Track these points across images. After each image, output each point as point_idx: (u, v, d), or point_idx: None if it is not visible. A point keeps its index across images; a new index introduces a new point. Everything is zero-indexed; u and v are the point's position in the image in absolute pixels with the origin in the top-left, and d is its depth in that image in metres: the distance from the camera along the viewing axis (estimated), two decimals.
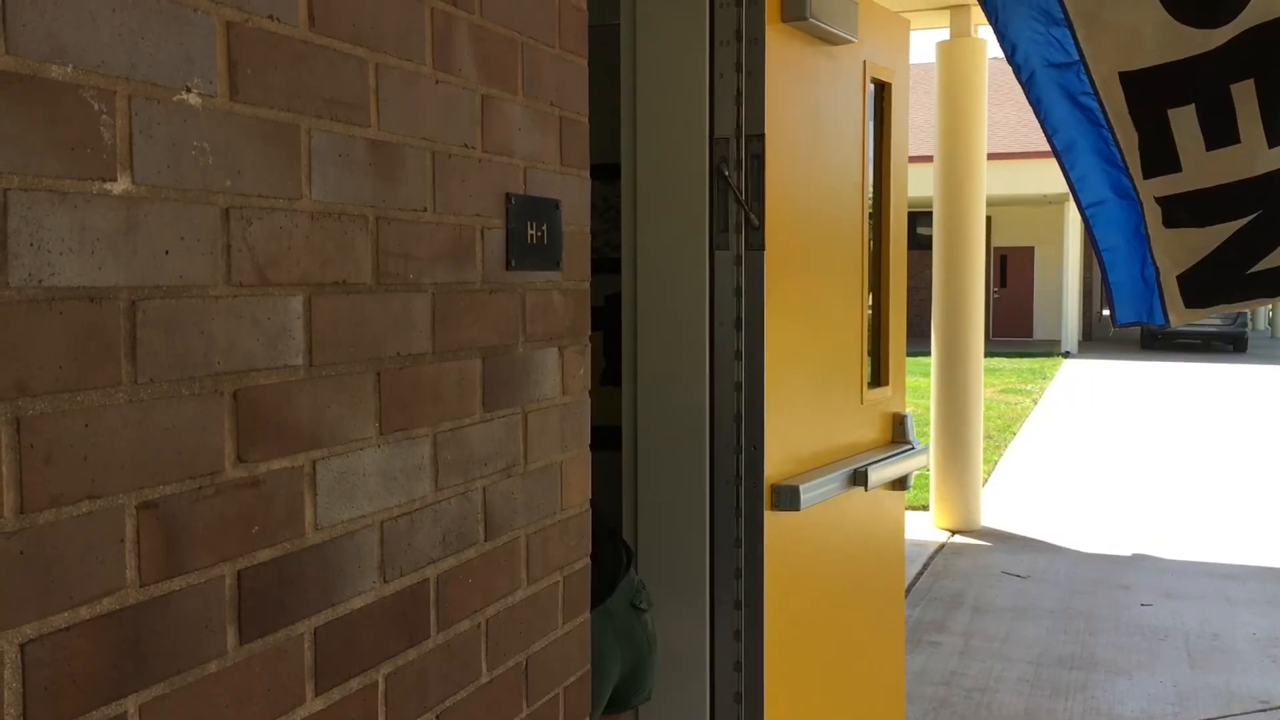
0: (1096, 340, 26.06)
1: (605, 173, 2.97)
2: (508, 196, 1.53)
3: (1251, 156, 2.89)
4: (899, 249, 3.50)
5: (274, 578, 1.14)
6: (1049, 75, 3.07)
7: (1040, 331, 25.07)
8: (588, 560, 1.80)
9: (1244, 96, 2.85)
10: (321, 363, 1.20)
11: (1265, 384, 17.38)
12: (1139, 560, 6.99)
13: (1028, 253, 24.70)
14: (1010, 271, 25.71)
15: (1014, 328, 25.47)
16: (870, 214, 3.35)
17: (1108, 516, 7.98)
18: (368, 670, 1.27)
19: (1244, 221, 2.95)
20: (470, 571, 1.46)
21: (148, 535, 0.99)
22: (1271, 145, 2.88)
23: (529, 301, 1.60)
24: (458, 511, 1.44)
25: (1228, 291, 3.09)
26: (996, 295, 25.69)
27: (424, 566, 1.38)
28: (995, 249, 25.21)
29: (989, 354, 20.48)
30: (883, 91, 3.38)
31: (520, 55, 1.56)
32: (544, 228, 1.62)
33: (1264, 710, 4.54)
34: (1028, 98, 3.12)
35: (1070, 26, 2.98)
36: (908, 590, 6.12)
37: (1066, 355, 21.73)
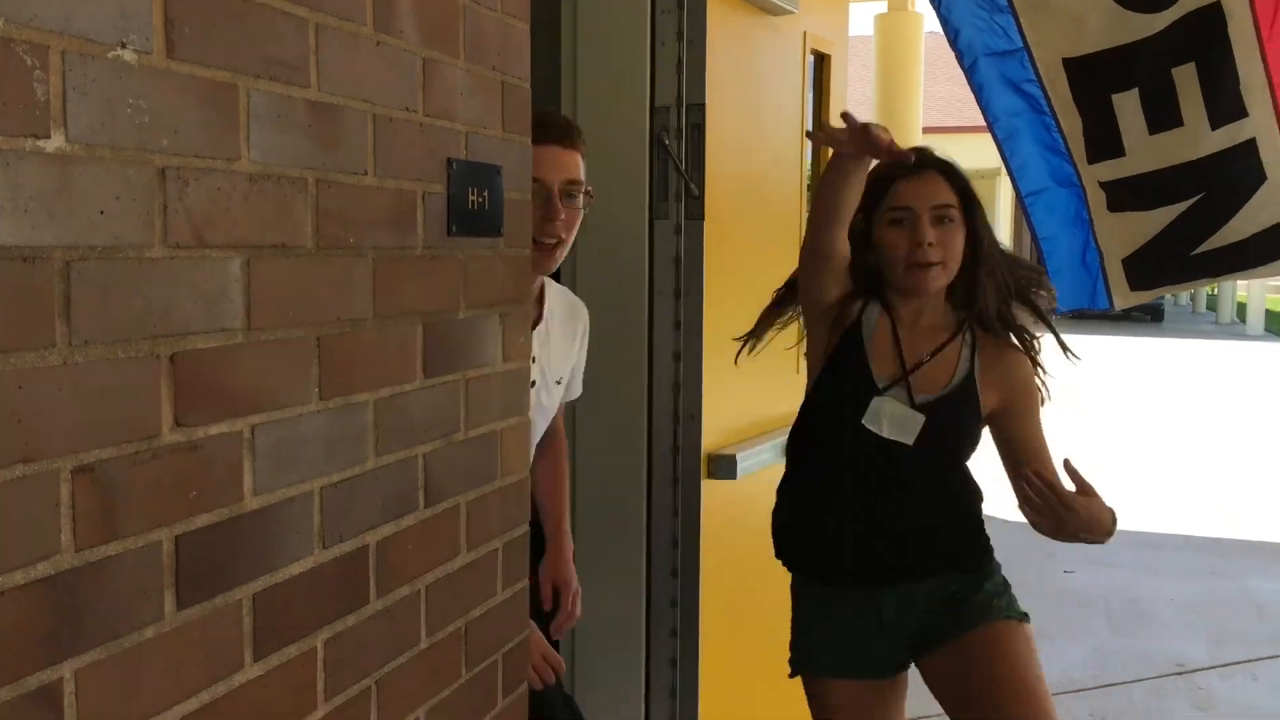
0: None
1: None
2: (449, 162, 1.52)
3: (1194, 139, 2.94)
4: None
5: (212, 543, 1.13)
6: (991, 63, 3.09)
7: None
8: (526, 528, 1.80)
9: (1185, 80, 2.90)
10: (260, 326, 1.19)
11: (1181, 358, 17.83)
12: None
13: None
14: None
15: None
16: (809, 185, 3.37)
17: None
18: (307, 636, 1.27)
19: (1188, 204, 3.00)
20: (410, 538, 1.46)
21: (84, 499, 0.97)
22: (1214, 127, 2.93)
23: (470, 268, 1.59)
24: (398, 478, 1.43)
25: (1172, 273, 3.16)
26: None
27: (363, 533, 1.37)
28: None
29: None
30: (822, 63, 3.40)
31: (462, 18, 1.54)
32: (485, 194, 1.61)
33: (1180, 673, 4.69)
34: (970, 84, 3.14)
35: (1014, 14, 3.00)
36: None
37: None
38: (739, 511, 2.92)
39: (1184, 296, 30.80)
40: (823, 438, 2.27)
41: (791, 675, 2.34)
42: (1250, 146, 2.95)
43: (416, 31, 1.44)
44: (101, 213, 0.99)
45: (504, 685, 1.73)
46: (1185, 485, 8.54)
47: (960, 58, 3.13)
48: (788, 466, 2.35)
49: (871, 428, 2.19)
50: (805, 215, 3.28)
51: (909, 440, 2.19)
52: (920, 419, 2.20)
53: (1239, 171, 2.97)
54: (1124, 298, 3.18)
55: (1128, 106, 2.95)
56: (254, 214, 1.17)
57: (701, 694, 2.80)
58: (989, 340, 2.29)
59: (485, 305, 1.64)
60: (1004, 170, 3.16)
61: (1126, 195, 3.04)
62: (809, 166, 3.34)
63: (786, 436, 2.35)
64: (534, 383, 2.06)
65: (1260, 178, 2.97)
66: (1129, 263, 3.13)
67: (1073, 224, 3.15)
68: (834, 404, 2.25)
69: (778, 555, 2.34)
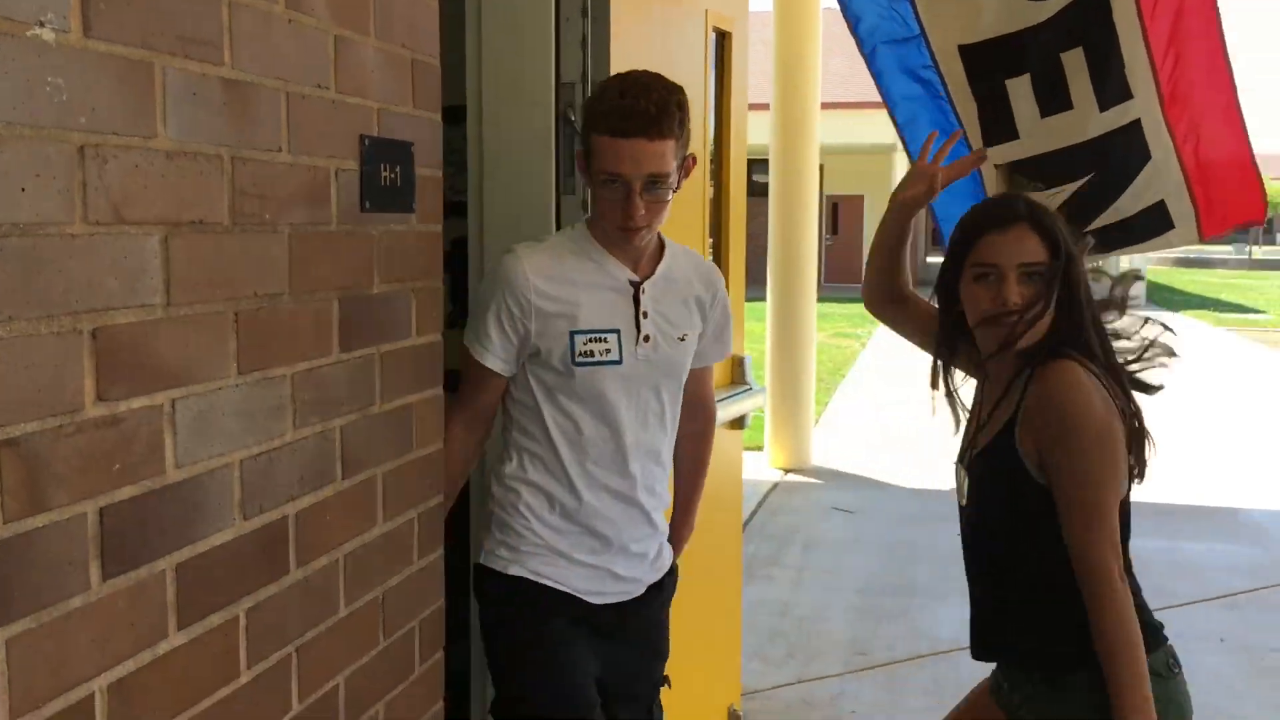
0: (924, 285, 27.08)
1: (452, 116, 2.96)
2: (361, 138, 1.55)
3: (1084, 121, 3.05)
4: (738, 195, 3.60)
5: (135, 515, 1.15)
6: (890, 50, 3.17)
7: None
8: (441, 498, 1.84)
9: (1074, 64, 3.00)
10: (179, 302, 1.20)
11: None
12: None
13: (858, 201, 25.41)
14: (842, 219, 26.42)
15: (845, 274, 26.21)
16: (711, 161, 3.43)
17: (930, 453, 8.40)
18: (228, 605, 1.30)
19: (1079, 183, 3.12)
20: (328, 509, 1.49)
21: (10, 473, 0.99)
22: (1102, 109, 3.04)
23: (383, 243, 1.62)
24: (316, 450, 1.46)
25: None
26: (829, 242, 26.39)
27: (283, 504, 1.40)
28: (827, 197, 25.84)
29: (822, 299, 21.09)
30: (724, 40, 3.46)
31: None
32: (397, 170, 1.64)
33: None
34: (870, 71, 3.21)
35: (912, 2, 3.08)
36: (744, 526, 6.32)
37: None
38: None
39: None
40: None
41: None
42: (1136, 127, 3.08)
43: (327, 9, 1.46)
44: (22, 190, 1.00)
45: (421, 652, 1.77)
46: None
47: (860, 44, 3.20)
48: None
49: (958, 498, 2.12)
50: (708, 186, 3.35)
51: (961, 501, 2.09)
52: (964, 477, 2.07)
53: (1126, 151, 3.10)
54: None
55: (1020, 91, 3.05)
56: (171, 191, 1.19)
57: None
58: (1039, 376, 1.94)
59: (399, 280, 1.67)
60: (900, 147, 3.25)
61: (1022, 177, 3.15)
62: (711, 142, 3.40)
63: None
64: (647, 337, 2.08)
65: (1145, 156, 3.11)
66: None
67: (970, 204, 3.26)
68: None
69: None
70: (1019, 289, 1.91)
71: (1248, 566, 5.81)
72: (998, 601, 2.02)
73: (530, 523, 2.10)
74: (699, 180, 3.35)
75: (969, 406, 2.18)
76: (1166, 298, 23.82)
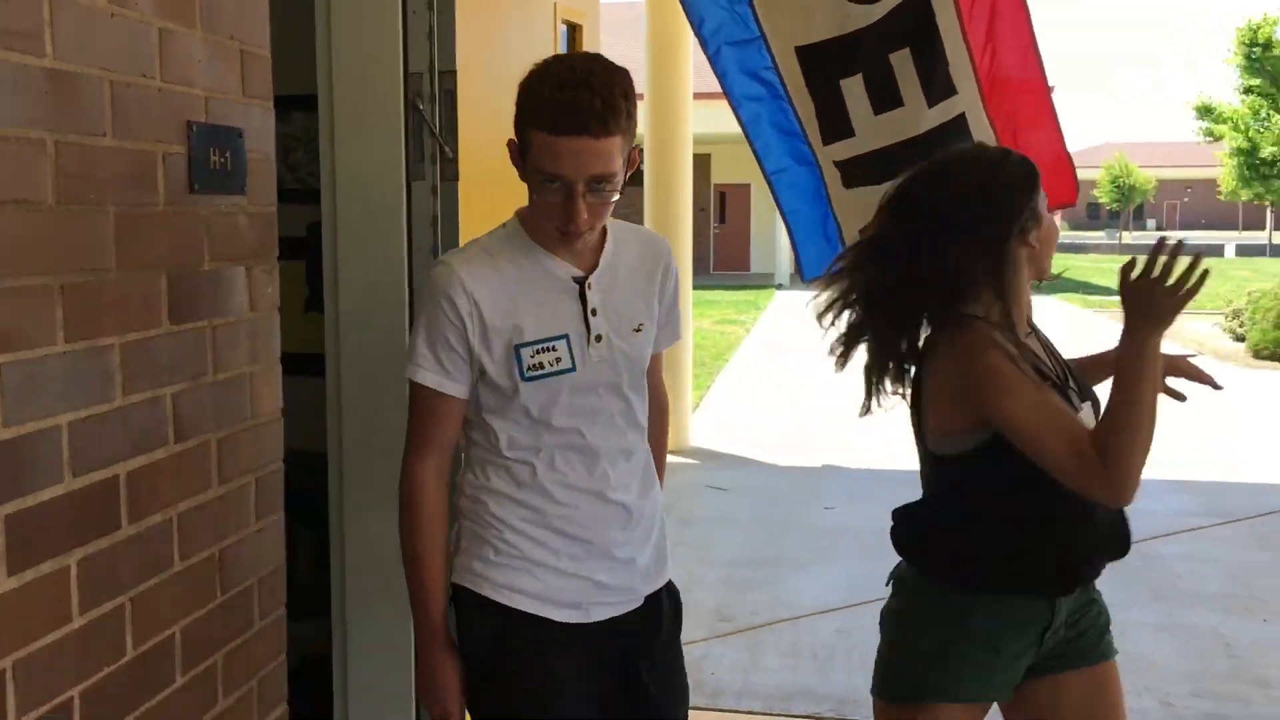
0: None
1: (305, 104, 3.05)
2: (189, 124, 1.65)
3: (914, 117, 3.25)
4: None
5: None
6: (732, 51, 3.32)
7: (757, 265, 26.32)
8: (280, 464, 1.95)
9: (902, 64, 3.20)
10: (4, 274, 1.30)
11: None
12: (828, 470, 7.69)
13: (745, 190, 25.79)
14: (729, 208, 26.79)
15: (733, 262, 26.60)
16: None
17: (804, 433, 8.68)
18: (59, 555, 1.40)
19: None
20: (160, 470, 1.60)
21: None
22: (930, 105, 3.25)
23: (213, 223, 1.72)
24: (146, 415, 1.57)
25: None
26: (717, 231, 26.73)
27: (114, 464, 1.50)
28: (715, 186, 26.16)
29: (710, 286, 21.41)
30: (575, 32, 3.60)
31: None
32: (227, 154, 1.75)
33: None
34: (714, 71, 3.36)
35: (751, 4, 3.24)
36: None
37: (779, 287, 23.01)
38: None
39: None
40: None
41: (915, 700, 2.05)
42: (961, 120, 3.30)
43: (151, 3, 1.56)
44: None
45: (260, 609, 1.89)
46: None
47: (704, 45, 3.35)
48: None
49: None
50: None
51: None
52: (1092, 405, 2.11)
53: (954, 143, 3.31)
54: None
55: (854, 90, 3.23)
56: None
57: None
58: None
59: (230, 259, 1.78)
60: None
61: (859, 172, 3.34)
62: None
63: None
64: (600, 336, 1.91)
65: None
66: (864, 233, 3.44)
67: (813, 200, 3.43)
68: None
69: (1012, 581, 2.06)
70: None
71: None
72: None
73: (502, 532, 1.93)
74: None
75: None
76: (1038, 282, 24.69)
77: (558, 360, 1.88)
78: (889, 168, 3.34)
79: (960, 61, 3.22)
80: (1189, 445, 7.60)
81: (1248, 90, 25.60)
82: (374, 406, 2.96)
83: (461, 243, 2.92)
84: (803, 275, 3.53)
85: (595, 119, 1.74)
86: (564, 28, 3.48)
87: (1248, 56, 25.07)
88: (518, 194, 3.31)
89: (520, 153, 1.87)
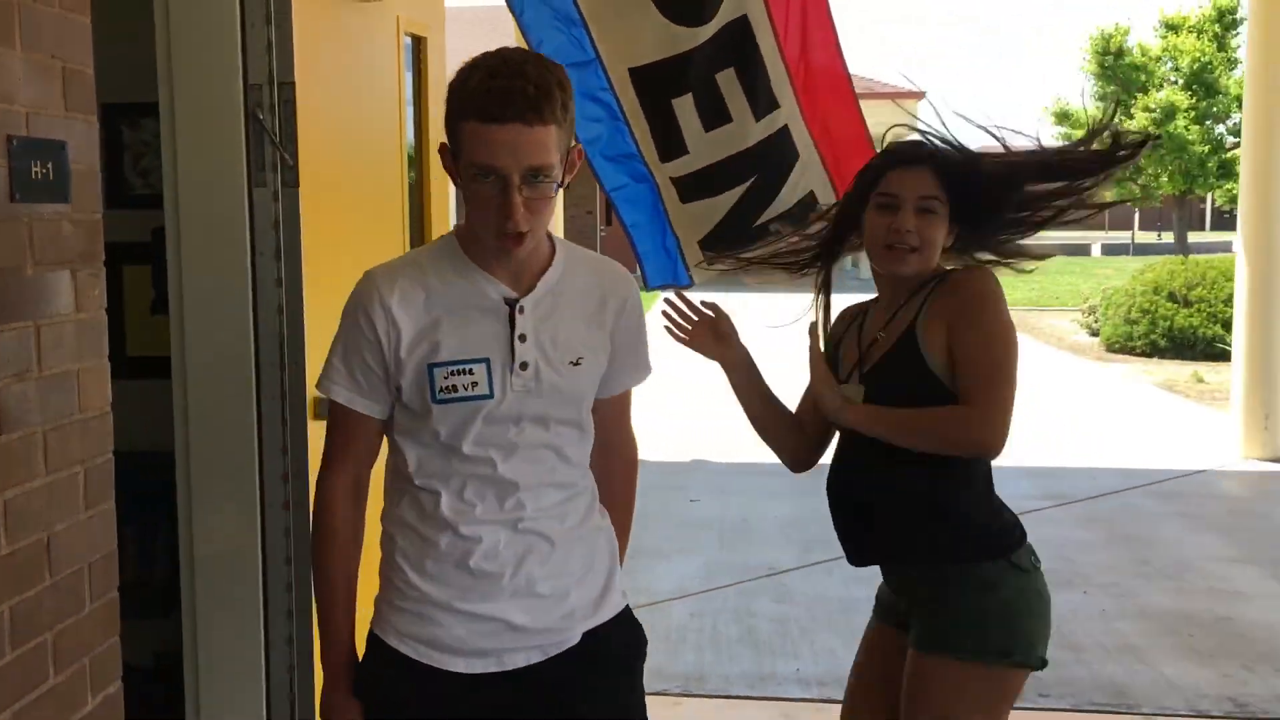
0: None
1: (148, 111, 3.15)
2: (9, 138, 1.77)
3: (743, 131, 3.47)
4: (440, 188, 3.91)
5: None
6: (572, 73, 3.50)
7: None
8: (110, 456, 2.07)
9: (728, 82, 3.42)
10: None
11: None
12: (696, 465, 7.94)
13: None
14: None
15: (620, 263, 26.79)
16: (411, 155, 3.73)
17: (677, 430, 8.92)
18: None
19: (745, 185, 3.54)
20: None
21: None
22: (757, 120, 3.48)
23: (36, 230, 1.84)
24: None
25: (740, 244, 3.70)
26: (604, 233, 26.96)
27: None
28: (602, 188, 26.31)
29: None
30: (420, 44, 3.75)
31: (17, 14, 1.79)
32: (50, 165, 1.87)
33: (770, 575, 5.45)
34: None
35: (586, 27, 3.42)
36: None
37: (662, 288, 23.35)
38: None
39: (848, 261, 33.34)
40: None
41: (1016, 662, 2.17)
42: (785, 131, 3.54)
43: None
44: None
45: (91, 591, 2.01)
46: None
47: None
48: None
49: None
50: (405, 176, 3.62)
51: None
52: (860, 389, 2.26)
53: (780, 153, 3.55)
54: (702, 274, 3.70)
55: (685, 109, 3.44)
56: None
57: (315, 618, 3.12)
58: (951, 277, 2.26)
59: (55, 263, 1.90)
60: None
61: (694, 188, 3.54)
62: (410, 137, 3.69)
63: None
64: (525, 364, 1.78)
65: (795, 156, 3.58)
66: (705, 242, 3.62)
67: (652, 214, 3.63)
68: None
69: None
70: (915, 218, 2.21)
71: None
72: (889, 505, 2.22)
73: (405, 572, 1.81)
74: (397, 168, 3.64)
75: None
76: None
77: (473, 385, 1.76)
78: (724, 180, 3.57)
79: (779, 77, 3.47)
80: (1035, 435, 8.04)
81: (1102, 97, 26.87)
82: (218, 406, 3.07)
83: (306, 247, 3.06)
84: (646, 285, 3.72)
85: (529, 106, 1.65)
86: (408, 40, 3.63)
87: (1101, 64, 26.30)
88: (367, 198, 3.46)
89: (452, 153, 1.74)
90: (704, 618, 4.89)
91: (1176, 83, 26.02)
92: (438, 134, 3.90)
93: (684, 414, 9.43)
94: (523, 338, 1.79)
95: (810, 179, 3.62)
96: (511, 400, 1.78)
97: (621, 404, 2.02)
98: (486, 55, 1.73)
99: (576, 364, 1.83)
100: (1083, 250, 41.40)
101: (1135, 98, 25.83)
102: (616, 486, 2.03)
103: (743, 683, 4.23)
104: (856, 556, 2.34)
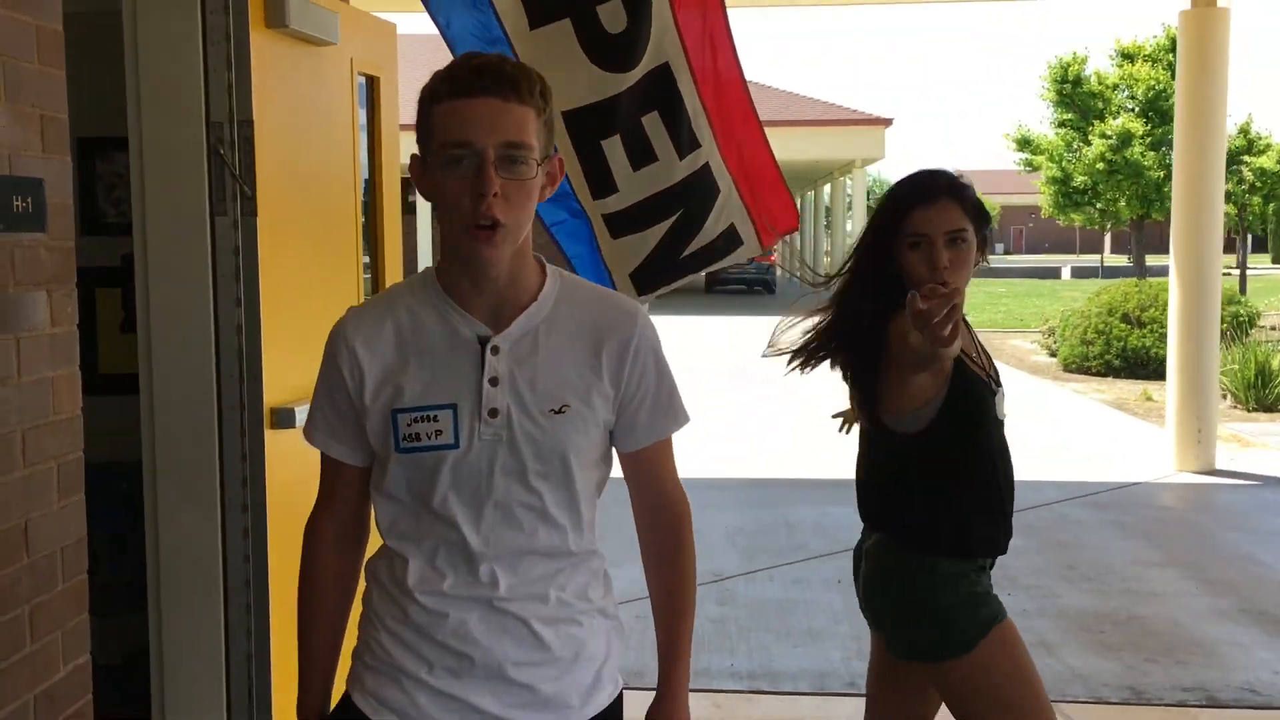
0: (668, 300, 28.44)
1: (118, 145, 3.44)
2: None
3: (668, 169, 3.77)
4: (392, 214, 4.21)
5: None
6: None
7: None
8: (80, 454, 2.35)
9: (653, 124, 3.73)
10: None
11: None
12: None
13: None
14: None
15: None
16: (367, 183, 4.02)
17: None
18: None
19: (672, 219, 3.84)
20: None
21: None
22: (680, 158, 3.79)
23: (17, 255, 2.13)
24: None
25: (670, 274, 3.98)
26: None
27: None
28: None
29: None
30: (373, 84, 4.05)
31: (1, 71, 2.08)
32: (29, 200, 2.16)
33: (715, 581, 5.73)
34: None
35: None
36: None
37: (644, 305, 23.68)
38: (302, 456, 3.53)
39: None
40: (971, 440, 2.45)
41: (984, 633, 2.40)
42: (706, 169, 3.85)
43: None
44: None
45: (64, 572, 2.28)
46: (747, 436, 9.88)
47: None
48: (936, 477, 2.45)
49: (1000, 416, 2.50)
50: (359, 206, 3.92)
51: (1005, 414, 2.54)
52: (1004, 393, 2.53)
53: (702, 188, 3.86)
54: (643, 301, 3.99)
55: (614, 150, 3.73)
56: None
57: (272, 612, 3.39)
58: None
59: (32, 284, 2.19)
60: None
61: (624, 223, 3.83)
62: (364, 170, 3.99)
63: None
64: (495, 411, 1.61)
65: (716, 191, 3.89)
66: (635, 275, 3.91)
67: (590, 246, 3.93)
68: (974, 412, 2.44)
69: (965, 552, 2.47)
70: (947, 253, 2.32)
71: None
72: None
73: (378, 631, 1.68)
74: (351, 199, 3.94)
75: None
76: None
77: (437, 433, 1.59)
78: (651, 215, 3.88)
79: (700, 119, 3.79)
80: None
81: (1061, 124, 27.46)
82: (183, 416, 3.36)
83: (263, 270, 3.35)
84: None
85: (506, 81, 1.55)
86: (362, 79, 3.93)
87: (1059, 92, 26.92)
88: (322, 226, 3.75)
89: (421, 155, 1.60)
90: (647, 619, 5.13)
91: (1133, 110, 26.69)
92: (390, 166, 4.21)
93: None
94: (494, 381, 1.61)
95: (730, 212, 3.94)
96: (479, 451, 1.61)
97: (654, 457, 1.78)
98: (464, 55, 1.67)
99: (559, 412, 1.63)
100: (1053, 273, 42.03)
101: (1093, 124, 26.46)
102: (659, 548, 1.88)
103: None
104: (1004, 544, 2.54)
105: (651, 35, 3.63)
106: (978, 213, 2.39)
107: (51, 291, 2.25)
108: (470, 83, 1.54)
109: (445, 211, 1.57)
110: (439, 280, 1.66)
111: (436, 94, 1.57)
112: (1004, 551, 2.54)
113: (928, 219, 2.34)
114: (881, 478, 2.57)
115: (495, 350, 1.62)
